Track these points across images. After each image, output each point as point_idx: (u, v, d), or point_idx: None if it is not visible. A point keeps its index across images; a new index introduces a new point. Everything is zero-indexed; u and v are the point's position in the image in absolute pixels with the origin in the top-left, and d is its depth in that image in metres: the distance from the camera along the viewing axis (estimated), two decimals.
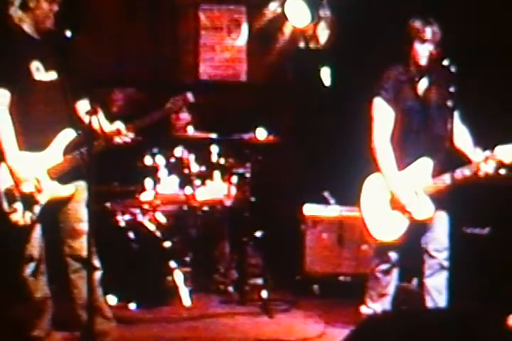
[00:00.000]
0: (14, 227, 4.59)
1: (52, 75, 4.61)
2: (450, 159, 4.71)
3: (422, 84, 5.03)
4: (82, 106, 4.63)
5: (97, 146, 4.53)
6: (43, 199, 4.60)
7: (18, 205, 4.58)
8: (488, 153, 4.75)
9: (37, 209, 4.60)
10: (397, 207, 4.97)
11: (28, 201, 4.58)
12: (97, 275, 4.69)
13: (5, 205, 4.58)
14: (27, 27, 4.58)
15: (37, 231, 4.66)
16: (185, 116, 6.44)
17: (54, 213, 4.69)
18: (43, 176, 4.60)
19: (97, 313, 4.64)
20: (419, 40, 4.88)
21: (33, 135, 4.57)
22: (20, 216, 4.58)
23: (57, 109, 4.61)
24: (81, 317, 4.64)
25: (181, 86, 7.35)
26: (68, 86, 4.55)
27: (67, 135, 4.65)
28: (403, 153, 4.97)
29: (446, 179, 4.77)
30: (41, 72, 4.57)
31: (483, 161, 4.72)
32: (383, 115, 5.00)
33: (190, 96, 4.83)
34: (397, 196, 4.95)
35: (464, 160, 4.87)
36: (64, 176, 4.63)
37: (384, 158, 4.97)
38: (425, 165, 4.95)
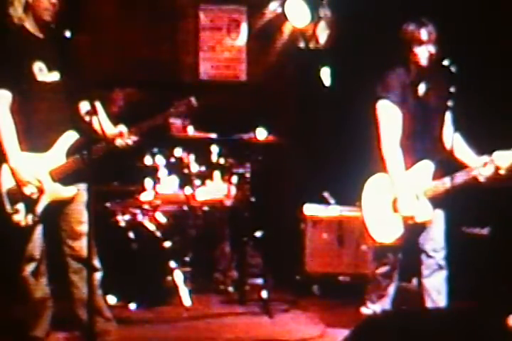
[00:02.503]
0: (16, 228, 4.59)
1: (54, 76, 4.60)
2: (451, 161, 4.71)
3: (423, 86, 5.02)
4: (84, 106, 4.63)
5: (99, 149, 4.53)
6: (44, 200, 4.60)
7: (21, 206, 4.58)
8: (486, 158, 4.74)
9: (39, 209, 4.60)
10: (398, 209, 4.96)
11: (30, 202, 4.58)
12: (97, 276, 4.69)
13: (7, 206, 4.58)
14: (29, 25, 4.58)
15: (38, 232, 4.66)
16: (185, 119, 6.43)
17: (55, 214, 4.69)
18: (46, 177, 4.59)
19: (97, 313, 4.65)
20: (417, 43, 4.86)
21: (35, 136, 4.57)
22: (22, 216, 4.58)
23: (60, 110, 4.61)
24: (81, 317, 4.65)
25: (181, 86, 7.36)
26: (71, 87, 4.55)
27: (71, 137, 4.65)
28: (404, 155, 4.96)
29: (446, 182, 4.76)
30: (44, 73, 4.56)
31: (482, 166, 4.71)
32: (392, 117, 4.95)
33: (193, 101, 4.83)
34: (400, 199, 4.93)
35: (462, 165, 4.86)
36: (66, 178, 4.63)
37: (393, 160, 4.91)
38: (426, 167, 4.95)
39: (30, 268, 4.67)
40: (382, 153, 4.96)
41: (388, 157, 4.95)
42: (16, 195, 4.57)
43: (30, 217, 4.58)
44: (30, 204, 4.58)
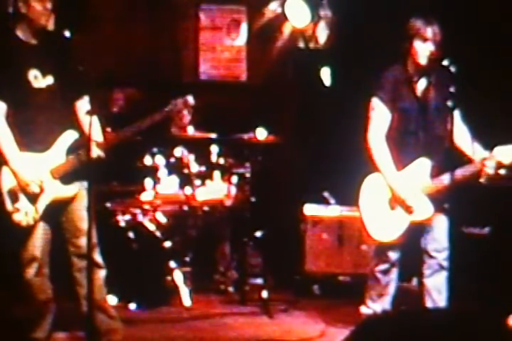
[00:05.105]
0: (17, 227, 4.59)
1: (49, 80, 4.58)
2: (449, 160, 4.71)
3: (421, 84, 5.03)
4: (82, 106, 4.63)
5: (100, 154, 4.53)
6: (46, 199, 4.60)
7: (22, 205, 4.58)
8: (487, 153, 4.75)
9: (40, 209, 4.60)
10: (397, 204, 4.96)
11: (32, 201, 4.58)
12: (102, 274, 4.70)
13: (8, 205, 4.58)
14: (21, 33, 4.55)
15: (39, 231, 4.65)
16: (186, 115, 6.42)
17: (57, 213, 4.69)
18: (46, 177, 4.59)
19: (102, 312, 4.65)
20: (421, 39, 4.88)
21: (33, 142, 4.56)
22: (23, 216, 4.58)
23: (57, 112, 4.60)
24: (86, 316, 4.63)
25: (181, 86, 7.35)
26: (66, 88, 4.55)
27: (70, 136, 4.64)
28: (401, 154, 4.98)
29: (444, 179, 4.77)
30: (39, 80, 4.55)
31: (483, 162, 4.72)
32: (379, 115, 5.02)
33: (190, 99, 4.82)
34: (396, 192, 4.94)
35: (464, 160, 4.87)
36: (67, 176, 4.63)
37: (380, 155, 4.98)
38: (423, 165, 4.95)
39: (32, 269, 4.65)
40: (368, 147, 4.98)
41: (375, 153, 4.98)
42: (17, 194, 4.57)
43: (31, 216, 4.58)
44: (32, 203, 4.58)
